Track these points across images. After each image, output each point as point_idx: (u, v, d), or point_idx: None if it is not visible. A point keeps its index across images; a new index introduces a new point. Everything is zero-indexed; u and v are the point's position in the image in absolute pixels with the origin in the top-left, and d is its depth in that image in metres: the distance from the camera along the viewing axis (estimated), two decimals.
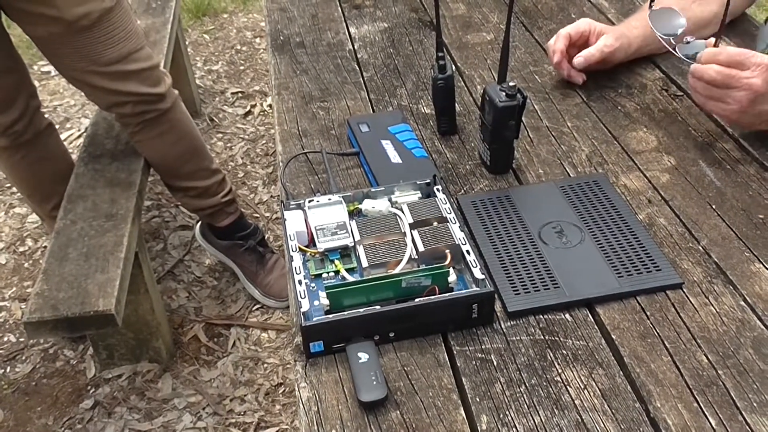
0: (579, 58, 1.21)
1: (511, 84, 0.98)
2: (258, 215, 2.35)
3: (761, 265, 0.88)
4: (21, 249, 2.30)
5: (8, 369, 1.91)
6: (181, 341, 1.95)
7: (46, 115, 1.83)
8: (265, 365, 1.87)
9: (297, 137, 1.18)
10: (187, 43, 3.24)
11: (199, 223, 2.12)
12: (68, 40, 1.50)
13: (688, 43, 1.09)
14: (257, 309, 2.03)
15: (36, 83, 1.80)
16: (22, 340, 1.98)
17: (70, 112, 2.93)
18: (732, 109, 1.00)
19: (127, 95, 1.61)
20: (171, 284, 2.13)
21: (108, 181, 1.73)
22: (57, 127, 1.95)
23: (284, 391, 1.81)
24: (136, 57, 1.60)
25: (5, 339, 1.99)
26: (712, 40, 1.03)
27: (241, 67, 3.18)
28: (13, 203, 2.48)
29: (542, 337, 0.81)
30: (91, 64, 1.54)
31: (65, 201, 1.69)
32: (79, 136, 2.73)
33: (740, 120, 1.02)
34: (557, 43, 1.22)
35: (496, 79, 1.02)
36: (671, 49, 1.11)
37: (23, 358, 1.94)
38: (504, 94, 0.98)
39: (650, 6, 1.16)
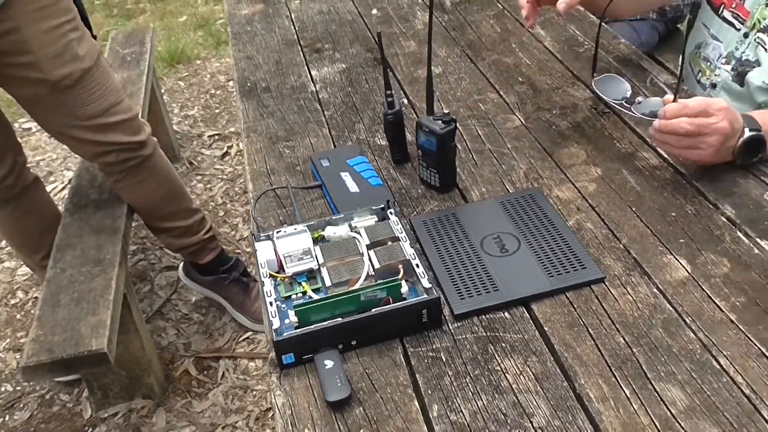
0: (561, 4, 1.26)
1: (445, 112, 1.12)
2: (240, 251, 2.46)
3: (672, 257, 1.01)
4: (13, 301, 2.39)
5: (7, 417, 1.98)
6: (172, 376, 2.04)
7: (31, 170, 1.94)
8: (254, 392, 1.97)
9: (266, 175, 1.30)
10: (162, 91, 3.37)
11: (183, 263, 2.23)
12: (52, 99, 1.62)
13: (639, 103, 1.20)
14: (244, 340, 2.13)
15: (18, 140, 1.91)
16: (18, 388, 2.06)
17: (52, 166, 3.04)
18: (708, 153, 1.10)
19: (110, 145, 1.73)
20: (160, 323, 2.23)
21: (94, 229, 1.84)
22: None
23: (273, 415, 1.90)
24: (117, 109, 1.73)
25: (2, 389, 2.07)
26: (670, 96, 1.13)
27: (217, 111, 3.31)
28: (2, 258, 2.57)
29: (484, 334, 0.93)
30: (75, 119, 1.66)
31: (54, 250, 1.80)
32: (63, 188, 2.84)
33: (714, 159, 1.12)
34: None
35: (426, 111, 1.15)
36: (627, 111, 1.21)
37: (21, 405, 2.01)
38: (441, 122, 1.12)
39: (593, 75, 1.30)
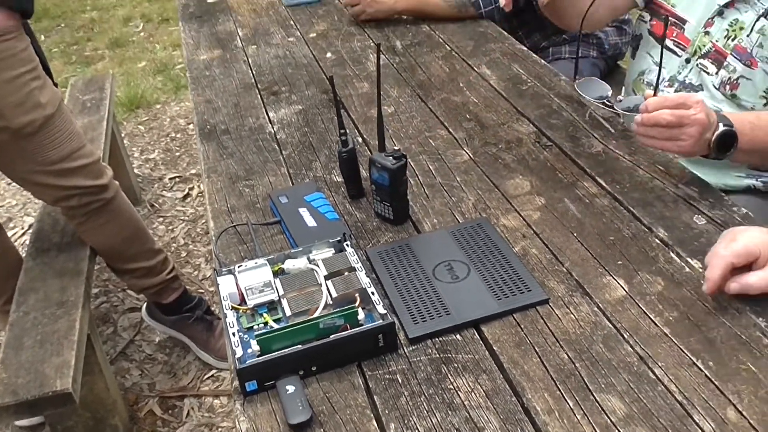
0: None
1: (396, 148, 1.19)
2: (203, 290, 2.48)
3: (611, 277, 1.08)
4: None
5: None
6: (137, 417, 2.04)
7: None
8: (220, 429, 1.99)
9: (227, 213, 1.35)
10: (123, 135, 3.40)
11: (146, 303, 2.25)
12: (15, 146, 1.65)
13: (620, 101, 1.31)
14: (208, 378, 2.15)
15: None
16: None
17: (12, 212, 3.03)
18: (687, 144, 1.18)
19: (72, 189, 1.77)
20: (124, 364, 2.23)
21: (57, 272, 1.85)
22: None
23: None
24: (79, 154, 1.76)
25: None
26: (650, 92, 1.22)
27: (177, 153, 3.35)
28: None
29: (438, 355, 0.98)
30: (38, 165, 1.69)
31: (17, 294, 1.81)
32: (24, 234, 2.84)
33: (692, 151, 1.20)
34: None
35: (378, 148, 1.22)
36: (610, 108, 1.32)
37: None
38: (392, 158, 1.18)
39: (575, 79, 1.40)
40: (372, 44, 2.02)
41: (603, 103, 1.35)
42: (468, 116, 1.58)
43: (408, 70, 1.84)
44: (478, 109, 1.60)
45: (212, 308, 2.25)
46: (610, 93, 1.36)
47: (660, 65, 1.26)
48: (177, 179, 3.14)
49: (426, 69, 1.83)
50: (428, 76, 1.80)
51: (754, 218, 1.17)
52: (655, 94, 1.21)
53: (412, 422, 0.89)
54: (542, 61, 1.80)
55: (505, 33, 2.00)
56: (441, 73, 1.80)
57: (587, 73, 2.27)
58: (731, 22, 1.41)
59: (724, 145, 1.22)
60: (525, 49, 1.88)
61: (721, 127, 1.20)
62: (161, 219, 2.87)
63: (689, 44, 1.47)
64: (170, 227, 2.82)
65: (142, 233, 2.00)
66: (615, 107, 1.32)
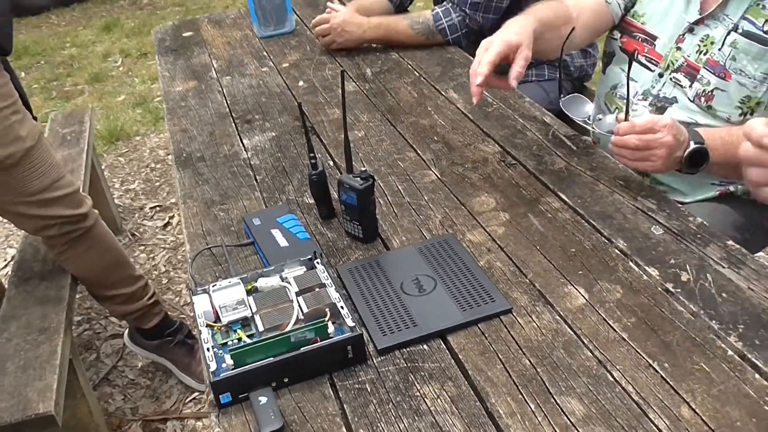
0: (513, 81, 1.38)
1: (362, 169, 1.23)
2: (184, 315, 2.50)
3: (572, 287, 1.12)
4: None
5: None
6: None
7: None
8: None
9: (202, 236, 1.39)
10: (103, 167, 3.43)
11: (128, 329, 2.26)
12: None
13: (600, 120, 1.39)
14: (191, 401, 2.16)
15: None
16: None
17: None
18: (658, 164, 1.26)
19: (53, 219, 1.80)
20: (107, 389, 2.24)
21: (39, 300, 1.88)
22: None
23: None
24: (59, 185, 1.80)
25: None
26: (622, 115, 1.31)
27: (157, 183, 3.38)
28: None
29: (405, 365, 1.02)
30: (19, 195, 1.73)
31: (0, 322, 1.82)
32: (6, 266, 2.84)
33: (663, 169, 1.28)
34: (480, 68, 1.36)
35: (345, 169, 1.27)
36: (591, 128, 1.40)
37: None
38: (359, 178, 1.23)
39: (560, 97, 1.47)
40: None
41: (585, 122, 1.41)
42: (435, 138, 1.63)
43: (378, 96, 1.89)
44: (446, 131, 1.66)
45: (193, 332, 2.27)
46: (592, 112, 1.44)
47: (627, 98, 1.33)
48: (157, 208, 3.17)
49: (395, 94, 1.89)
50: (397, 100, 1.85)
51: (709, 227, 1.22)
52: (626, 117, 1.29)
53: (380, 428, 0.92)
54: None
55: (472, 58, 2.06)
56: (410, 98, 1.86)
57: (554, 95, 2.34)
58: (702, 38, 1.47)
59: (697, 161, 1.29)
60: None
61: (693, 145, 1.27)
62: (142, 247, 2.90)
63: (661, 59, 1.53)
64: (151, 255, 2.84)
65: (122, 260, 2.02)
66: (595, 127, 1.40)
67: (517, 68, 1.37)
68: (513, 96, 1.79)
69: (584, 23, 1.61)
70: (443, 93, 1.86)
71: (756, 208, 1.52)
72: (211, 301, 1.13)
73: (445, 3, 2.22)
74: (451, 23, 2.14)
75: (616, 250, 1.20)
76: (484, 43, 1.39)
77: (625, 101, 1.51)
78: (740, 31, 1.40)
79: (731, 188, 1.53)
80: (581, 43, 1.67)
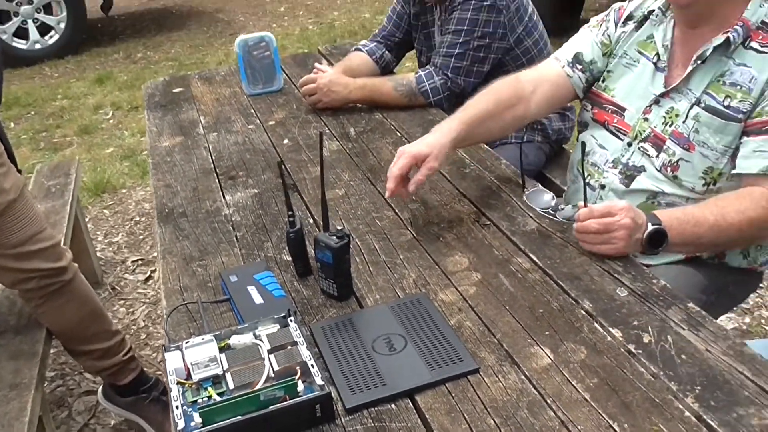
0: (411, 186, 1.49)
1: (338, 228, 1.27)
2: (161, 372, 2.48)
3: (538, 347, 1.15)
4: None
5: None
6: None
7: None
8: None
9: (179, 292, 1.40)
10: (87, 219, 3.45)
11: (102, 386, 2.24)
12: None
13: (562, 209, 1.46)
14: None
15: None
16: None
17: None
18: (620, 246, 1.32)
19: (31, 272, 1.80)
20: None
21: (12, 354, 1.86)
22: None
23: None
24: (39, 238, 1.81)
25: None
26: (582, 203, 1.38)
27: (141, 237, 3.39)
28: None
29: (373, 424, 1.03)
30: None
31: None
32: None
33: (625, 250, 1.34)
34: (388, 183, 1.50)
35: (322, 228, 1.30)
36: (553, 217, 1.48)
37: None
38: (335, 237, 1.26)
39: (524, 190, 1.56)
40: (327, 131, 2.13)
41: (548, 212, 1.48)
42: (413, 198, 1.67)
43: (360, 155, 1.94)
44: (424, 191, 1.70)
45: None
46: (554, 202, 1.51)
47: (584, 188, 1.40)
48: (139, 261, 3.17)
49: (377, 154, 1.94)
50: (379, 160, 1.90)
51: (671, 289, 1.26)
52: (585, 204, 1.36)
53: None
54: (485, 146, 1.92)
55: None
56: (391, 158, 1.87)
57: (532, 157, 2.40)
58: (668, 110, 1.53)
59: (656, 242, 1.34)
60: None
61: (650, 227, 1.33)
62: (122, 301, 2.89)
63: (630, 129, 1.60)
64: (131, 309, 2.84)
65: (99, 314, 2.03)
66: (557, 216, 1.48)
67: (418, 176, 1.50)
68: (490, 158, 1.84)
69: (543, 95, 1.70)
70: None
71: (721, 271, 1.56)
72: (183, 358, 1.14)
73: (428, 66, 2.30)
74: (434, 86, 2.21)
75: (582, 311, 1.23)
76: (398, 152, 1.53)
77: (596, 168, 1.58)
78: (702, 105, 1.47)
79: (697, 252, 1.57)
80: (538, 113, 1.75)
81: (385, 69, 2.55)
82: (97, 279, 2.95)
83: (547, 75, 1.72)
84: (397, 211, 1.63)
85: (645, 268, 1.33)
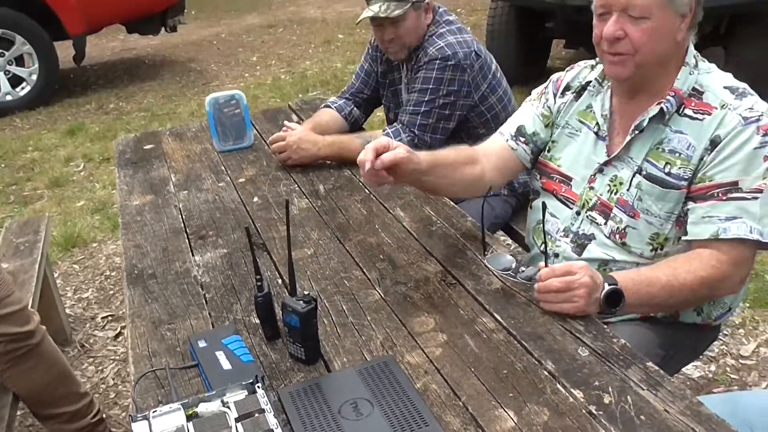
0: (378, 162, 1.47)
1: (305, 293, 1.29)
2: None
3: (502, 410, 1.17)
4: None
5: None
6: None
7: None
8: None
9: (147, 358, 1.41)
10: (56, 275, 3.42)
11: None
12: None
13: (523, 272, 1.51)
14: None
15: None
16: None
17: None
18: (581, 303, 1.36)
19: None
20: None
21: None
22: None
23: None
24: (6, 302, 1.81)
25: None
26: (542, 263, 1.42)
27: (111, 292, 3.37)
28: None
29: None
30: None
31: None
32: None
33: (587, 309, 1.37)
34: (366, 155, 1.47)
35: (289, 292, 1.32)
36: (514, 279, 1.51)
37: None
38: (302, 301, 1.28)
39: (484, 254, 1.60)
40: (297, 188, 2.16)
41: (509, 274, 1.52)
42: (381, 257, 1.70)
43: (329, 213, 1.97)
44: (391, 250, 1.73)
45: None
46: (514, 264, 1.55)
47: (545, 249, 1.46)
48: (109, 317, 3.15)
49: (345, 211, 1.97)
50: (347, 218, 1.93)
51: (631, 348, 1.29)
52: (546, 264, 1.41)
53: None
54: (451, 203, 1.96)
55: None
56: (359, 216, 1.94)
57: (499, 210, 2.45)
58: (611, 178, 1.59)
59: (613, 301, 1.39)
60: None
61: (607, 287, 1.38)
62: (91, 359, 2.86)
63: (577, 198, 1.65)
64: (100, 367, 2.81)
65: (67, 377, 2.01)
66: (518, 278, 1.52)
67: (391, 154, 1.48)
68: (456, 215, 1.88)
69: (494, 166, 1.77)
70: (391, 211, 1.94)
71: (678, 330, 1.60)
72: (150, 429, 1.14)
73: (395, 124, 2.36)
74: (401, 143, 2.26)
75: (545, 372, 1.25)
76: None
77: (549, 237, 1.63)
78: (644, 173, 1.53)
79: (651, 312, 1.61)
80: (493, 181, 1.76)
81: (354, 125, 2.61)
82: (65, 337, 2.92)
83: (494, 148, 1.79)
84: (365, 270, 1.65)
85: (605, 326, 1.37)
